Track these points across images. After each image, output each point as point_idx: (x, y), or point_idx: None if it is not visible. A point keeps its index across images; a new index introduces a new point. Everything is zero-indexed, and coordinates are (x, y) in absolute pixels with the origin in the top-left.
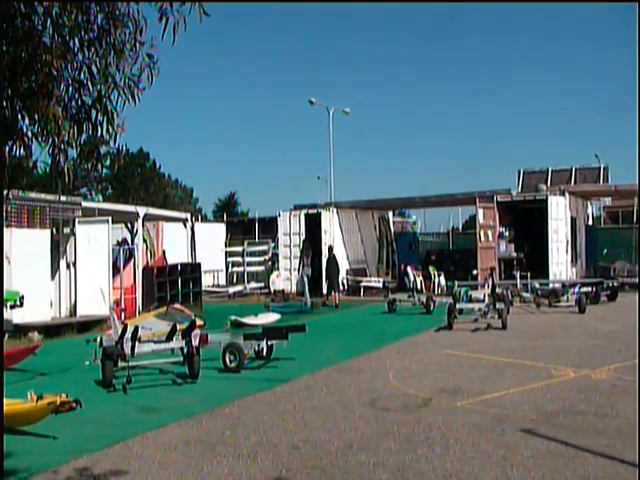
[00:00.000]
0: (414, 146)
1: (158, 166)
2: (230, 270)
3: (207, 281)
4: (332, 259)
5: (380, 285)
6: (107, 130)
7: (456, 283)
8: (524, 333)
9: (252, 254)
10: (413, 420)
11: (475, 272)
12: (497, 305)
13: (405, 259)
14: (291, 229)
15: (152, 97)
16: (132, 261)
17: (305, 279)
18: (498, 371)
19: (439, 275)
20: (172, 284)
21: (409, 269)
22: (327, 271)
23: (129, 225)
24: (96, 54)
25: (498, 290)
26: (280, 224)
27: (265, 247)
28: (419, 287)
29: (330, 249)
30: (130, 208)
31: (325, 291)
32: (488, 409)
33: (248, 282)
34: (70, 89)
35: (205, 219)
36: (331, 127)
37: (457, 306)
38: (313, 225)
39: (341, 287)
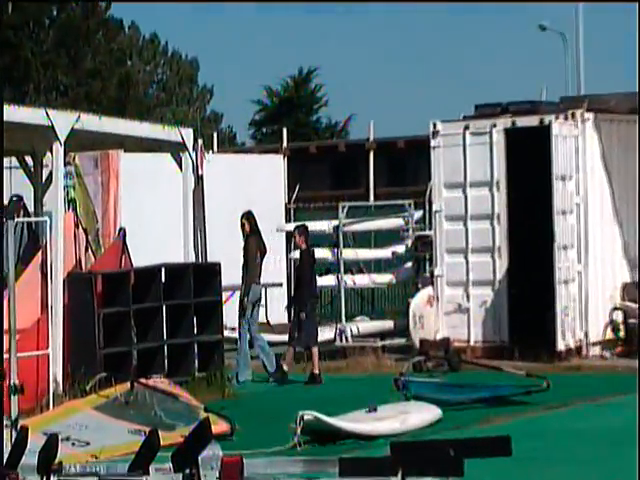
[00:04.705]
0: None
1: (105, 4)
2: None
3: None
4: (306, 261)
5: None
6: None
7: None
8: None
9: (362, 239)
10: None
11: None
12: None
13: None
14: (467, 170)
15: None
16: (37, 257)
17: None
18: None
19: None
20: (144, 321)
21: None
22: (296, 288)
23: (32, 160)
24: None
25: None
26: (437, 157)
27: (398, 222)
28: None
29: (301, 233)
30: (32, 115)
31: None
32: None
33: (349, 318)
34: None
35: (232, 144)
36: None
37: None
38: (527, 159)
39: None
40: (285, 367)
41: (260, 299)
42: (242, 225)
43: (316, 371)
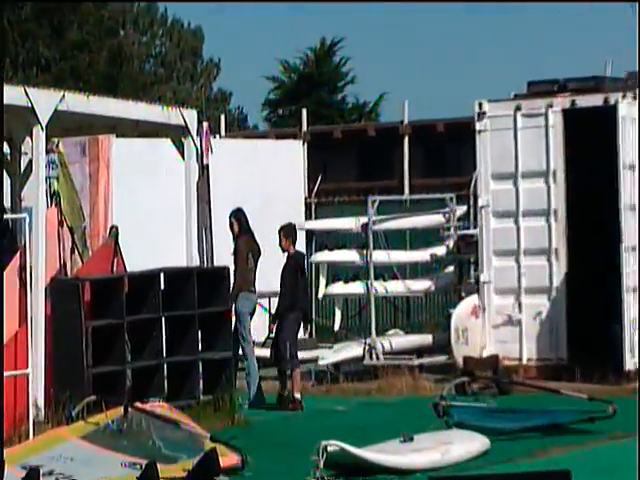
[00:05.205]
0: None
1: None
2: (325, 291)
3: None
4: (290, 267)
5: None
6: None
7: None
8: None
9: (396, 239)
10: None
11: None
12: None
13: None
14: (519, 158)
15: None
16: (15, 261)
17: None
18: None
19: None
20: (140, 335)
21: None
22: (281, 301)
23: (8, 147)
24: None
25: None
26: (484, 143)
27: (438, 219)
28: None
29: (287, 235)
30: (9, 94)
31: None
32: None
33: (380, 332)
34: None
35: (242, 127)
36: None
37: None
38: (588, 145)
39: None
40: (297, 395)
41: (255, 310)
42: (231, 225)
43: (292, 394)
